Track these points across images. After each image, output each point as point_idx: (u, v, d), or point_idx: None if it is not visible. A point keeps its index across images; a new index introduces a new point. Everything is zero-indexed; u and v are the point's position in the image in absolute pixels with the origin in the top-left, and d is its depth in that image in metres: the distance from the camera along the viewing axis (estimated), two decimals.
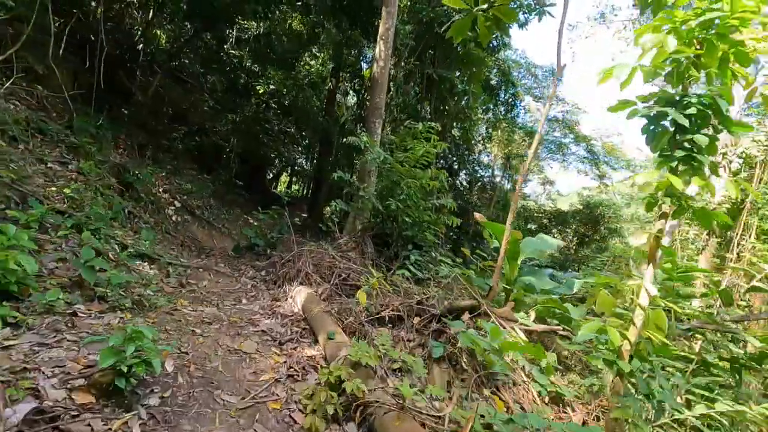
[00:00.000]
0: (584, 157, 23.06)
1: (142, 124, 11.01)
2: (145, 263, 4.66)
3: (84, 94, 10.07)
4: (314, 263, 5.56)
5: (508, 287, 5.05)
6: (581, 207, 23.97)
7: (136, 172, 7.29)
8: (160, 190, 8.22)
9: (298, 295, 4.72)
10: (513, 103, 16.74)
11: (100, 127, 7.71)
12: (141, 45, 11.46)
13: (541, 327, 4.28)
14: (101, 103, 10.03)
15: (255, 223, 8.47)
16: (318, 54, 17.04)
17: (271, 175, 26.22)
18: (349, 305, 4.43)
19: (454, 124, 13.43)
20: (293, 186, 32.12)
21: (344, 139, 18.56)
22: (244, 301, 4.71)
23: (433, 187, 7.00)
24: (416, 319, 4.33)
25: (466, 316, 4.49)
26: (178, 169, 10.97)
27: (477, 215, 5.45)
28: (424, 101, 14.33)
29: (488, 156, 22.41)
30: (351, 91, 17.06)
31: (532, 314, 4.67)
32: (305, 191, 30.86)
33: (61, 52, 6.97)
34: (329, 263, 5.55)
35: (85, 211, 4.92)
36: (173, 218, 7.88)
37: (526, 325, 4.31)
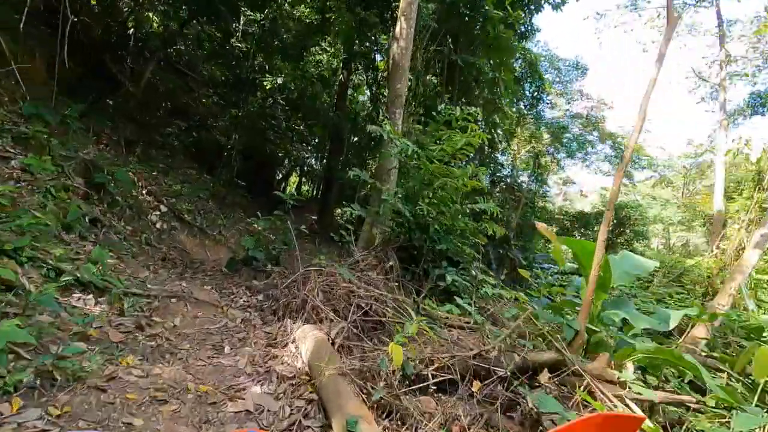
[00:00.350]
0: (610, 156, 21.42)
1: (132, 117, 9.68)
2: (89, 296, 3.26)
3: (68, 81, 8.80)
4: (325, 290, 4.14)
5: (592, 327, 3.59)
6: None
7: (111, 171, 5.93)
8: (144, 192, 6.85)
9: (302, 341, 3.30)
10: (538, 96, 15.23)
11: (69, 116, 6.36)
12: (131, 29, 10.15)
13: (664, 396, 2.83)
14: (84, 91, 8.73)
15: (259, 227, 7.08)
16: (327, 48, 15.65)
17: (280, 176, 24.92)
18: (375, 359, 3.01)
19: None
20: (303, 187, 30.78)
21: (354, 137, 17.18)
22: (227, 349, 3.29)
23: (469, 189, 5.57)
24: (475, 385, 2.90)
25: (545, 375, 3.06)
26: (172, 167, 9.62)
27: (541, 226, 4.03)
28: (443, 92, 12.88)
29: (504, 155, 20.83)
30: (364, 85, 15.63)
31: (630, 367, 3.22)
32: (316, 192, 29.51)
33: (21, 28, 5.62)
34: (345, 289, 4.12)
35: (15, 222, 3.56)
36: (157, 225, 6.52)
37: (639, 393, 2.87)
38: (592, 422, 0.64)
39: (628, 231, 22.12)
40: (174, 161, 10.14)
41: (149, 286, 4.02)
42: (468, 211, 5.64)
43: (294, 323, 3.84)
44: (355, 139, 16.52)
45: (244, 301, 4.60)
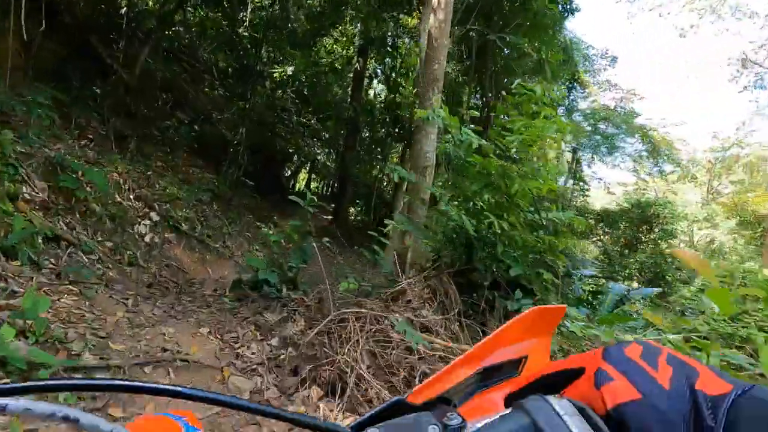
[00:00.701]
0: (639, 151, 19.87)
1: (125, 108, 8.39)
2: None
3: (48, 64, 7.52)
4: (371, 346, 2.80)
5: None
6: (630, 206, 20.95)
7: (83, 172, 4.61)
8: (131, 196, 5.53)
9: None
10: (571, 85, 13.76)
11: (35, 104, 5.04)
12: (123, 7, 8.80)
13: None
14: (67, 77, 7.44)
15: (272, 234, 5.73)
16: (340, 38, 14.25)
17: (289, 172, 23.58)
18: None
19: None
20: (312, 184, 29.45)
21: (368, 131, 15.81)
22: None
23: (544, 192, 4.19)
24: None
25: None
26: (170, 166, 8.32)
27: (682, 252, 2.68)
28: (470, 80, 11.46)
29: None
30: (382, 74, 14.21)
31: None
32: (326, 190, 28.18)
33: None
34: (400, 345, 2.78)
35: None
36: (146, 239, 5.20)
37: None
38: (528, 316, 0.65)
39: (656, 230, 20.65)
40: (173, 159, 8.83)
41: (115, 346, 2.68)
42: (544, 223, 4.27)
43: (327, 400, 2.51)
44: (367, 134, 15.19)
45: (252, 353, 3.26)
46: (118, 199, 5.18)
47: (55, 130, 6.11)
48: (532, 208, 4.09)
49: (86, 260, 3.96)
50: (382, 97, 15.00)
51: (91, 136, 6.77)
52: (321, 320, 4.19)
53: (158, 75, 9.66)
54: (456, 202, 4.18)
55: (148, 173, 7.12)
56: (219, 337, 3.47)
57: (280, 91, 13.07)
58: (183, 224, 5.85)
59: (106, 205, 4.87)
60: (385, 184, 15.30)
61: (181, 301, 4.35)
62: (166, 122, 9.12)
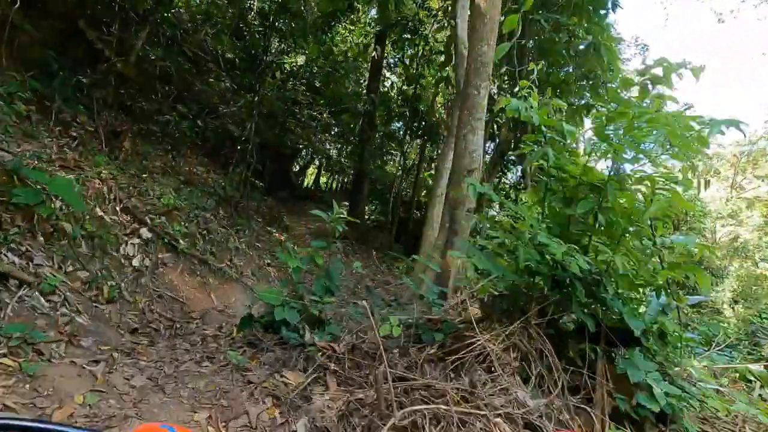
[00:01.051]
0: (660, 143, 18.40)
1: (118, 101, 7.31)
2: None
3: (30, 52, 6.45)
4: None
5: None
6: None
7: (45, 184, 3.51)
8: (117, 209, 4.44)
9: None
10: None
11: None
12: None
13: None
14: (49, 65, 6.35)
15: (289, 256, 4.60)
16: (356, 23, 13.03)
17: (298, 168, 22.45)
18: None
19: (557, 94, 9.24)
20: (321, 179, 28.34)
21: (384, 127, 14.54)
22: None
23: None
24: None
25: None
26: (170, 166, 7.24)
27: None
28: (500, 65, 10.21)
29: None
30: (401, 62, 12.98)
31: None
32: (337, 186, 27.05)
33: None
34: None
35: None
36: (134, 262, 4.12)
37: None
38: None
39: (684, 228, 19.43)
40: (174, 158, 7.75)
41: None
42: (655, 250, 3.12)
43: None
44: (383, 129, 14.01)
45: None
46: (99, 213, 4.09)
47: (29, 127, 5.04)
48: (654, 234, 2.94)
49: (45, 305, 2.88)
50: (398, 88, 13.79)
51: (75, 134, 5.69)
52: (359, 381, 3.11)
53: (157, 64, 8.54)
54: (544, 225, 3.04)
55: (143, 176, 6.04)
56: (222, 427, 2.38)
57: (290, 83, 11.94)
58: (181, 241, 4.75)
59: (82, 222, 3.78)
60: (401, 182, 14.14)
61: (175, 351, 3.26)
62: (165, 117, 8.01)
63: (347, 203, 20.43)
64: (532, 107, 2.77)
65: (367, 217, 16.83)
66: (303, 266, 3.87)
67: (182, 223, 4.99)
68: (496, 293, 3.68)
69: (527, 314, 2.91)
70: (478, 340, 2.83)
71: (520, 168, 11.00)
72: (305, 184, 25.00)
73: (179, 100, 9.18)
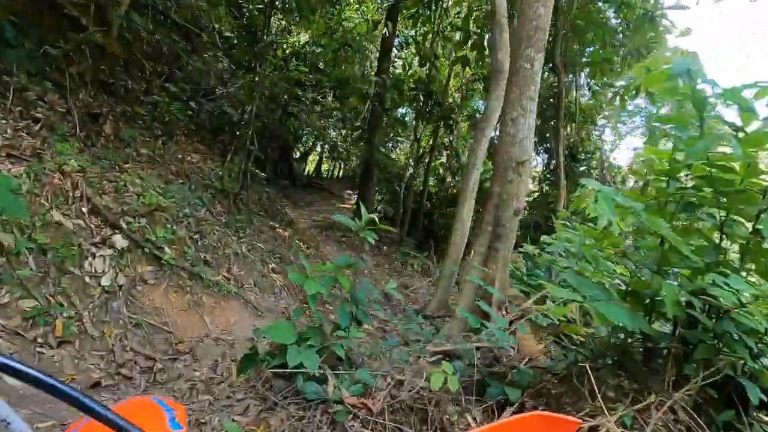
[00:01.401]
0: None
1: (98, 78, 6.26)
2: None
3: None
4: None
5: None
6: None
7: None
8: (84, 209, 3.46)
9: None
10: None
11: None
12: None
13: None
14: (14, 34, 5.30)
15: (309, 291, 3.61)
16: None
17: (298, 154, 21.35)
18: None
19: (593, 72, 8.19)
20: (323, 165, 27.24)
21: (394, 111, 13.42)
22: None
23: None
24: None
25: None
26: (159, 155, 6.24)
27: None
28: None
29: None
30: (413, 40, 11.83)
31: None
32: (338, 173, 25.96)
33: None
34: None
35: None
36: (103, 282, 3.15)
37: None
38: (527, 421, 0.64)
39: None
40: (163, 144, 6.73)
41: None
42: None
43: None
44: (393, 113, 12.96)
45: None
46: (57, 218, 3.11)
47: None
48: None
49: None
50: (410, 68, 12.68)
51: (39, 115, 4.67)
52: None
53: (145, 38, 7.45)
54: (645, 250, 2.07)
55: (125, 166, 5.05)
56: None
57: (293, 63, 10.85)
58: (167, 249, 3.78)
59: (31, 232, 2.81)
60: (412, 171, 13.12)
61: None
62: (154, 97, 6.97)
63: (350, 192, 19.44)
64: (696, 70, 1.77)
65: (374, 208, 15.86)
66: (324, 290, 2.91)
67: (169, 226, 4.01)
68: (590, 335, 2.75)
69: (665, 378, 1.96)
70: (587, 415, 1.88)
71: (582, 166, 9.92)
72: (306, 171, 23.94)
73: (170, 79, 8.11)
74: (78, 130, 5.18)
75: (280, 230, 8.27)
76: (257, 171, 8.43)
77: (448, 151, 13.74)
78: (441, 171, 14.28)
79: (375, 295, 3.03)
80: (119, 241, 3.45)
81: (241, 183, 7.39)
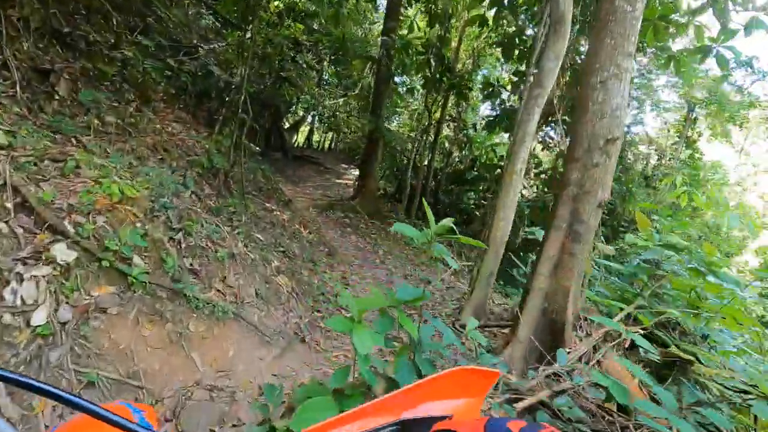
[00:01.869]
0: None
1: (49, 27, 4.93)
2: None
3: None
4: None
5: None
6: None
7: None
8: (9, 205, 2.30)
9: None
10: None
11: None
12: None
13: None
14: None
15: (346, 293, 2.69)
16: None
17: (287, 124, 19.83)
18: None
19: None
20: (314, 136, 25.70)
21: (401, 77, 11.99)
22: None
23: None
24: None
25: None
26: (128, 124, 5.01)
27: None
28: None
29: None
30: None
31: None
32: (331, 144, 24.49)
33: None
34: None
35: None
36: (33, 319, 2.04)
37: None
38: (455, 375, 0.70)
39: None
40: (138, 110, 5.48)
41: None
42: None
43: None
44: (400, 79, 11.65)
45: None
46: None
47: None
48: None
49: None
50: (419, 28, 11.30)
51: None
52: None
53: None
54: None
55: (83, 139, 3.87)
56: None
57: (289, 19, 9.43)
58: (137, 259, 2.66)
59: None
60: (418, 145, 11.95)
61: None
62: (123, 52, 5.64)
63: (345, 165, 18.18)
64: None
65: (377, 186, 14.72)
66: (381, 341, 1.87)
67: (140, 225, 2.88)
68: None
69: None
70: None
71: None
72: (297, 142, 22.49)
73: (145, 33, 6.72)
74: (18, 90, 3.94)
75: (278, 213, 7.14)
76: (251, 144, 7.19)
77: (455, 123, 12.56)
78: (447, 145, 13.13)
79: (450, 339, 1.97)
80: (62, 252, 2.32)
81: (234, 159, 6.18)
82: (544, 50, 4.80)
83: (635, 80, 9.95)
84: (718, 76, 11.63)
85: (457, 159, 13.40)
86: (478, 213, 12.22)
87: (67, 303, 2.22)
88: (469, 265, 7.90)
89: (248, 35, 7.29)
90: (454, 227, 2.07)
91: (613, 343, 3.26)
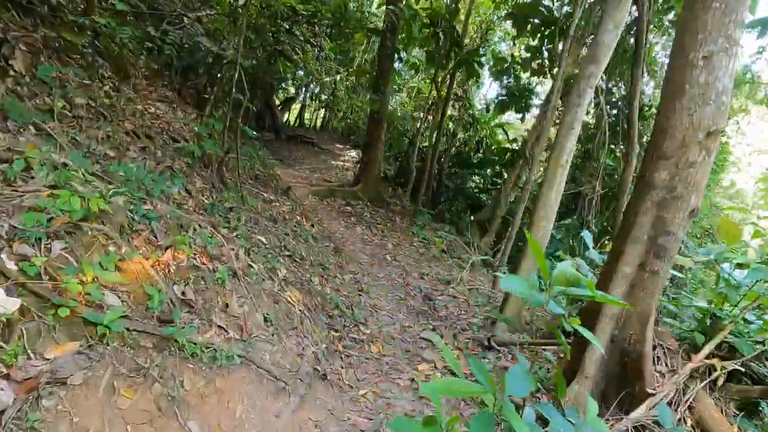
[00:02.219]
0: None
1: None
2: None
3: None
4: None
5: None
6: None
7: None
8: None
9: None
10: None
11: None
12: None
13: None
14: None
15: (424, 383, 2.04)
16: None
17: (278, 103, 18.75)
18: None
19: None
20: (305, 114, 24.56)
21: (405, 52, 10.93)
22: None
23: None
24: None
25: None
26: (101, 106, 4.20)
27: None
28: None
29: None
30: None
31: None
32: (322, 122, 23.40)
33: None
34: None
35: None
36: None
37: None
38: None
39: None
40: (115, 88, 4.66)
41: None
42: None
43: None
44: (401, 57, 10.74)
45: None
46: None
47: None
48: None
49: None
50: None
51: None
52: None
53: None
54: None
55: (47, 125, 3.10)
56: None
57: None
58: (111, 297, 1.96)
59: None
60: (424, 126, 11.17)
61: None
62: (96, 20, 4.74)
63: (341, 146, 17.28)
64: None
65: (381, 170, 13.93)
66: None
67: (113, 248, 2.16)
68: None
69: None
70: None
71: None
72: (288, 121, 21.44)
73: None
74: None
75: (277, 204, 6.41)
76: (246, 128, 6.37)
77: (461, 103, 11.75)
78: (451, 125, 12.35)
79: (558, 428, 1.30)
80: (0, 300, 1.60)
81: (228, 145, 5.39)
82: (587, 21, 4.06)
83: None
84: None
85: (461, 140, 12.65)
86: (484, 198, 11.58)
87: (5, 379, 1.52)
88: (485, 258, 7.30)
89: (241, 1, 6.36)
90: (579, 275, 1.41)
91: (706, 381, 2.68)
